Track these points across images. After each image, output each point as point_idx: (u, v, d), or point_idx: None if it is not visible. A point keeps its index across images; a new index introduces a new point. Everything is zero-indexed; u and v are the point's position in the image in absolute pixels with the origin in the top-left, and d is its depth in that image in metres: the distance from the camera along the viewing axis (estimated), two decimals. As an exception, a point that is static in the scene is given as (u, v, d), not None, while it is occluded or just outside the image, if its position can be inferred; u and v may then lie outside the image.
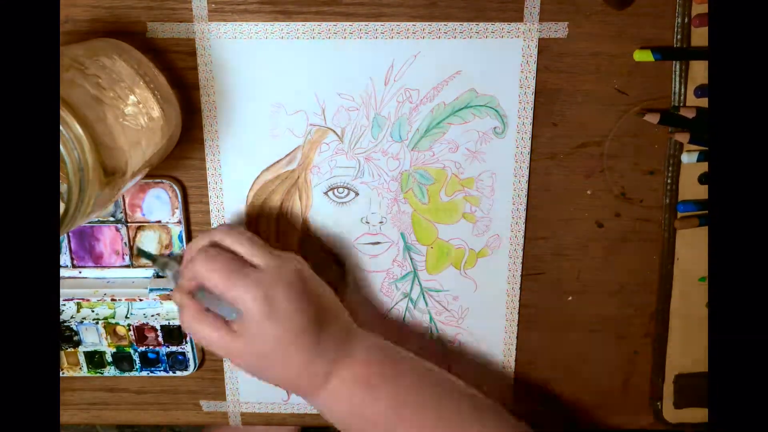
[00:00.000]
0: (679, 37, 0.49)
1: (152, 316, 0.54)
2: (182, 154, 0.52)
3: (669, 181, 0.52)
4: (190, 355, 0.56)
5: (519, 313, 0.56)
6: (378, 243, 0.54)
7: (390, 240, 0.54)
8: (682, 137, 0.51)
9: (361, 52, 0.50)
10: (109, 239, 0.54)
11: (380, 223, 0.54)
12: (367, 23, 0.49)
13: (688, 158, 0.51)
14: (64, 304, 0.54)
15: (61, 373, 0.57)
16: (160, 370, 0.57)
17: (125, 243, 0.54)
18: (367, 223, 0.54)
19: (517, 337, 0.56)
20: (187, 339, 0.55)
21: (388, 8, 0.49)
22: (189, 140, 0.52)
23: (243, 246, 0.48)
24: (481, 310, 0.55)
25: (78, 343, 0.56)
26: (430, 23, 0.49)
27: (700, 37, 0.49)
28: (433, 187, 0.53)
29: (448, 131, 0.51)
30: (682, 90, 0.50)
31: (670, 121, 0.51)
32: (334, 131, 0.51)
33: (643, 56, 0.49)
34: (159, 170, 0.52)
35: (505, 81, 0.50)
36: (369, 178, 0.52)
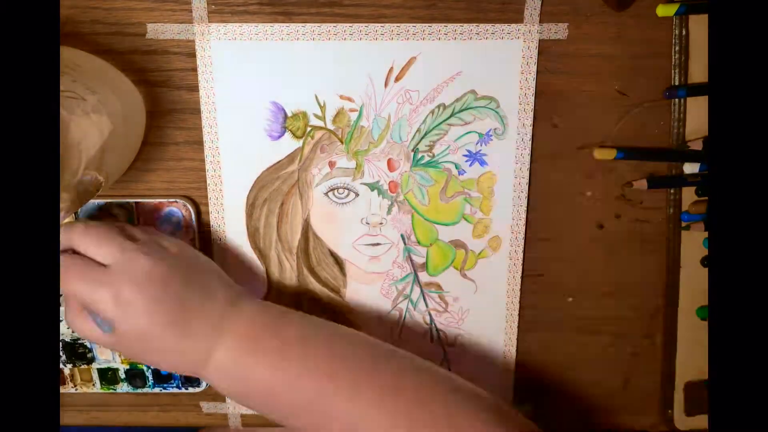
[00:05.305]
0: (677, 32, 0.49)
1: None
2: (182, 156, 0.52)
3: (672, 190, 0.53)
4: None
5: (519, 314, 0.55)
6: (378, 244, 0.54)
7: (390, 241, 0.54)
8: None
9: (361, 53, 0.50)
10: None
11: (380, 224, 0.54)
12: (367, 25, 0.49)
13: (690, 168, 0.51)
14: None
15: (74, 389, 0.57)
16: (172, 387, 0.57)
17: None
18: (367, 224, 0.54)
19: (517, 338, 0.56)
20: None
21: (388, 10, 0.49)
22: (189, 142, 0.52)
23: (94, 246, 0.47)
24: (482, 311, 0.55)
25: (91, 360, 0.56)
26: (430, 25, 0.49)
27: (699, 36, 0.49)
28: (433, 188, 0.53)
29: (449, 132, 0.51)
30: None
31: (659, 184, 0.51)
32: (334, 133, 0.51)
33: (666, 11, 0.48)
34: (154, 174, 0.52)
35: (506, 82, 0.50)
36: (369, 179, 0.52)
